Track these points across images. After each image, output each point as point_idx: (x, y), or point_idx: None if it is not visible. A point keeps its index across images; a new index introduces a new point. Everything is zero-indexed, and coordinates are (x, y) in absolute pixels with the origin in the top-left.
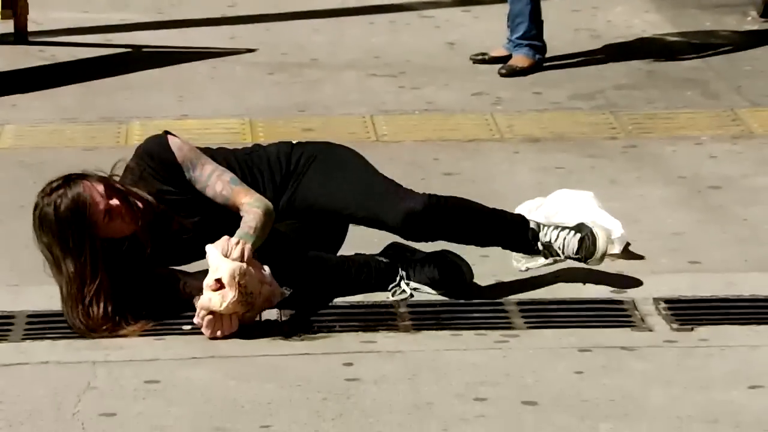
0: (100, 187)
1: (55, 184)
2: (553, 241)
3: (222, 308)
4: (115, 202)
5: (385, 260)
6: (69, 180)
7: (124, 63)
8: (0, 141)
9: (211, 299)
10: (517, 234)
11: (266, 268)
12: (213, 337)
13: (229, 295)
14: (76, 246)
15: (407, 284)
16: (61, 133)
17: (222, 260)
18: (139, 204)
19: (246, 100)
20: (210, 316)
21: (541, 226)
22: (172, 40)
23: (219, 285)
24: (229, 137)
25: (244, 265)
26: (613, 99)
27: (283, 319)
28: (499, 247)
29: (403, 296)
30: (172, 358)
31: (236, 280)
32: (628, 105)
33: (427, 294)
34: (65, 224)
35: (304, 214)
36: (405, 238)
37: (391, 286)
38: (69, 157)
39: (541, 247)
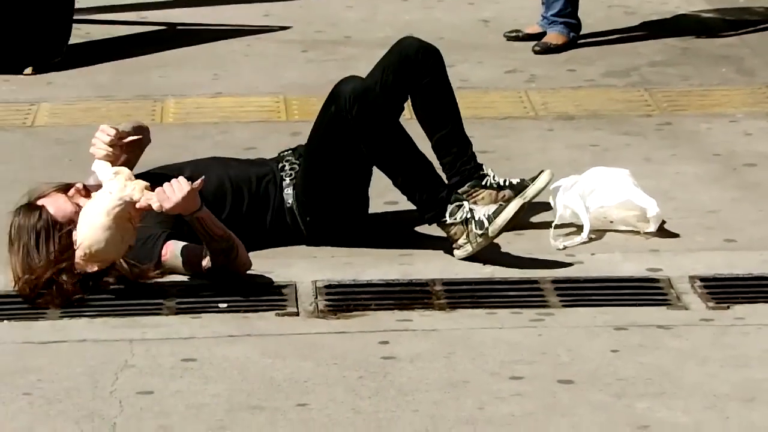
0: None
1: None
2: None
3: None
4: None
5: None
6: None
7: (159, 41)
8: (36, 119)
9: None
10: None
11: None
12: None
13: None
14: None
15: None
16: (97, 110)
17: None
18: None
19: (280, 78)
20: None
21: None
22: (207, 18)
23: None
24: (264, 115)
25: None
26: (648, 76)
27: (319, 297)
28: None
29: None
30: (208, 336)
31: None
32: (663, 82)
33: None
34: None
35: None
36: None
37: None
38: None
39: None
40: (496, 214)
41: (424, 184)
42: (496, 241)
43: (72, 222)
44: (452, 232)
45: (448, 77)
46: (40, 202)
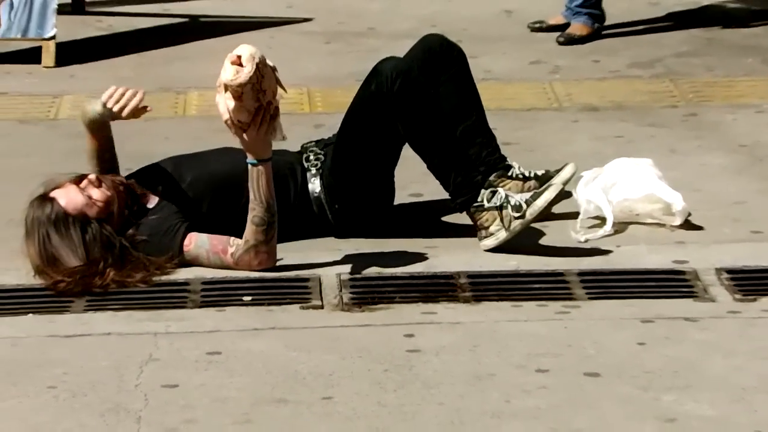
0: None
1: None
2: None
3: (232, 81)
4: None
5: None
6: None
7: (182, 33)
8: (58, 112)
9: (225, 69)
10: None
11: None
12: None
13: (245, 69)
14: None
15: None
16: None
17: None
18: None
19: (303, 70)
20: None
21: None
22: (229, 10)
23: (239, 61)
24: (287, 107)
25: (262, 55)
26: (673, 67)
27: (344, 290)
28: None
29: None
30: (233, 329)
31: (255, 59)
32: (688, 73)
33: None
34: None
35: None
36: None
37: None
38: (126, 127)
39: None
40: (535, 197)
41: (460, 166)
42: (519, 234)
43: (83, 213)
44: (484, 218)
45: (470, 71)
46: (52, 194)
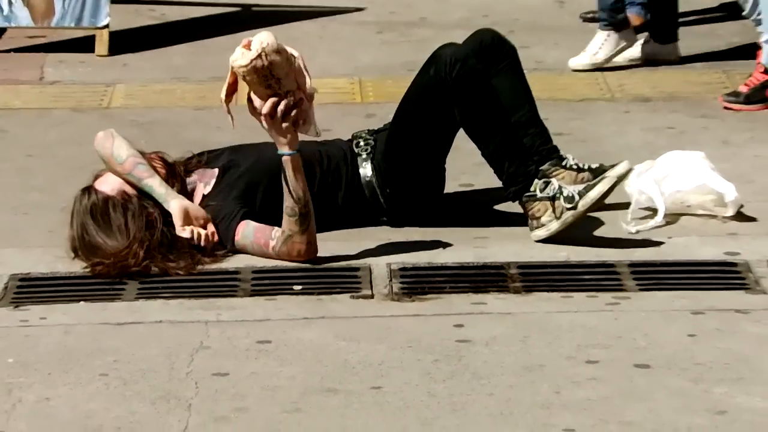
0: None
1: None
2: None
3: (234, 63)
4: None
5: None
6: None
7: (234, 22)
8: (111, 100)
9: (235, 51)
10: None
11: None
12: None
13: (249, 53)
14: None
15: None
16: (172, 92)
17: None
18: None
19: (355, 60)
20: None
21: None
22: (281, 0)
23: (249, 45)
24: (339, 97)
25: (279, 44)
26: (726, 58)
27: (394, 280)
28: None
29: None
30: (283, 319)
31: (263, 45)
32: (741, 63)
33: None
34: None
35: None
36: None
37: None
38: (180, 116)
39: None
40: (588, 189)
41: (515, 154)
42: (572, 225)
43: (122, 192)
44: (536, 208)
45: (521, 66)
46: (94, 184)
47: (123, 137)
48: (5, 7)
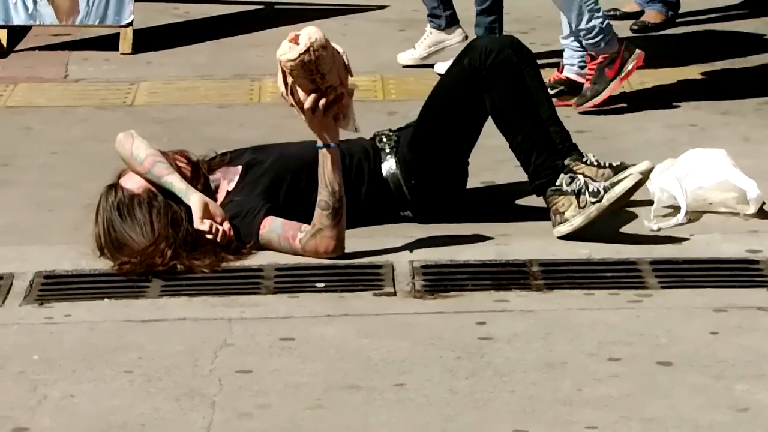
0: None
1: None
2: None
3: (281, 57)
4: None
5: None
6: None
7: (256, 20)
8: (135, 98)
9: (281, 45)
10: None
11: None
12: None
13: (297, 47)
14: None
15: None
16: (195, 90)
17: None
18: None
19: (376, 57)
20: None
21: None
22: None
23: (296, 40)
24: (360, 94)
25: (326, 39)
26: (747, 55)
27: (416, 277)
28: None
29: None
30: (305, 316)
31: (311, 39)
32: (763, 61)
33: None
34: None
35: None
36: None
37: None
38: (202, 113)
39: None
40: (613, 185)
41: (543, 146)
42: (595, 220)
43: (148, 189)
44: (560, 202)
45: (539, 69)
46: (120, 181)
47: (143, 137)
48: (30, 6)
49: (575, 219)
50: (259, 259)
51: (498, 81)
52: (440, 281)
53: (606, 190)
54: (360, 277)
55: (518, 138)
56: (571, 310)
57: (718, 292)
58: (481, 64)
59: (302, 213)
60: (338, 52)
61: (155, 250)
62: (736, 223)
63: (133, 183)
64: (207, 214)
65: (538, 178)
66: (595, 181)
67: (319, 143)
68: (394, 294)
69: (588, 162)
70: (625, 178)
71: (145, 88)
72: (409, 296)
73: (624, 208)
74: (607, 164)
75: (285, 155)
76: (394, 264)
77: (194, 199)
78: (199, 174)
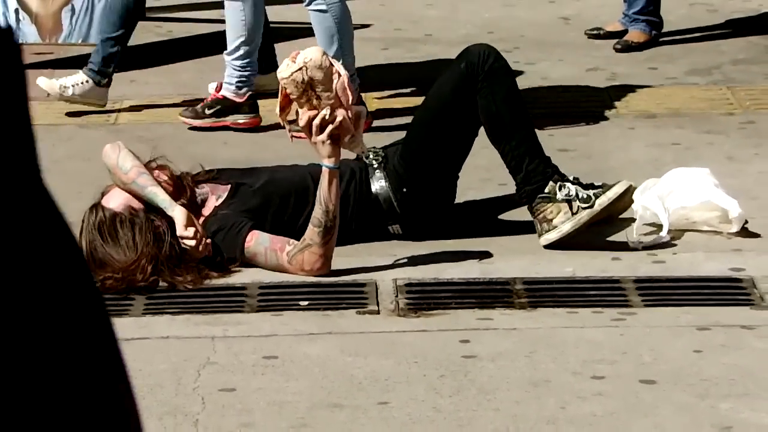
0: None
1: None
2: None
3: (278, 73)
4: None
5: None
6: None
7: None
8: (118, 116)
9: (281, 63)
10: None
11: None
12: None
13: (292, 66)
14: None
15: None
16: (179, 108)
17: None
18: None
19: (360, 76)
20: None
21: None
22: (288, 16)
23: (295, 58)
24: None
25: (326, 62)
26: (731, 74)
27: (400, 295)
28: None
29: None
30: (289, 334)
31: (306, 59)
32: (746, 80)
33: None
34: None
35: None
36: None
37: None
38: (187, 132)
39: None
40: (605, 190)
41: (535, 153)
42: (576, 240)
43: (128, 207)
44: (548, 210)
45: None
46: (101, 201)
47: (129, 150)
48: (13, 24)
49: (564, 225)
50: (242, 277)
51: (495, 85)
52: (424, 299)
53: (597, 196)
54: (344, 295)
55: (512, 143)
56: (555, 328)
57: (702, 310)
58: (479, 68)
59: (286, 235)
60: (339, 75)
61: (136, 267)
62: (719, 242)
63: (114, 202)
64: (191, 223)
65: (528, 184)
66: (585, 188)
67: (319, 161)
68: (378, 312)
69: (571, 179)
70: (615, 184)
71: (128, 107)
72: (393, 314)
73: (607, 226)
74: (589, 184)
75: (275, 180)
76: (377, 282)
77: (177, 210)
78: (183, 188)
